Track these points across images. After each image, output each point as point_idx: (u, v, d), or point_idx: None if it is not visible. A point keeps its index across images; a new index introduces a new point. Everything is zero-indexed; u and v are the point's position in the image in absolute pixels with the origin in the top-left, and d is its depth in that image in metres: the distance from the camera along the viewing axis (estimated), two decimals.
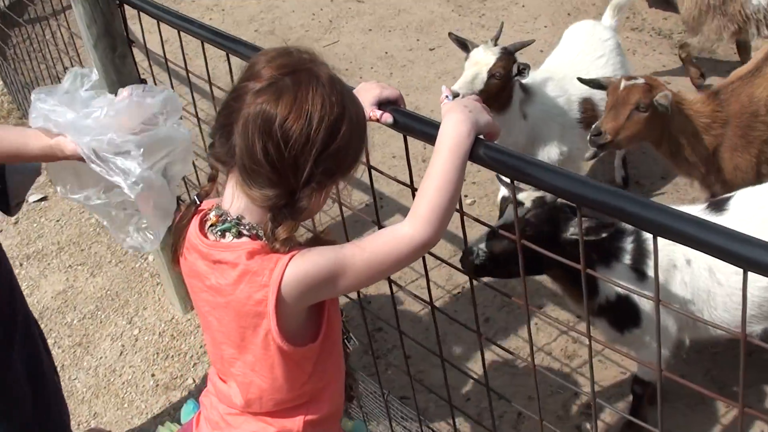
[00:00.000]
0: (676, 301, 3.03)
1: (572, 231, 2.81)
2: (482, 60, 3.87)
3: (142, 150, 2.14)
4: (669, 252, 3.00)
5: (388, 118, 2.09)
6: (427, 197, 1.84)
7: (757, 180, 3.80)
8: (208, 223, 1.92)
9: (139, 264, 4.82)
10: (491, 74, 3.82)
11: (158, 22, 3.16)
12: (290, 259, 1.80)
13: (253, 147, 1.76)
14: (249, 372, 1.95)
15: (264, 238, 1.84)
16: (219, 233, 1.88)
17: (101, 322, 4.48)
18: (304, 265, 1.79)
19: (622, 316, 3.08)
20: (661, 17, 6.92)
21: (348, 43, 7.10)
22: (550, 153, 4.20)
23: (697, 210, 3.16)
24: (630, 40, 6.55)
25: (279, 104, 1.75)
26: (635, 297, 3.03)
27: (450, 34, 4.23)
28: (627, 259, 3.02)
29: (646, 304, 3.04)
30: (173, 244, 2.02)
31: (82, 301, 4.65)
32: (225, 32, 2.85)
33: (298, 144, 1.75)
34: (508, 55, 3.89)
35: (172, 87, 3.34)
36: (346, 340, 2.19)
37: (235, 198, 1.88)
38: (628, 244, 3.04)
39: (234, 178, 1.86)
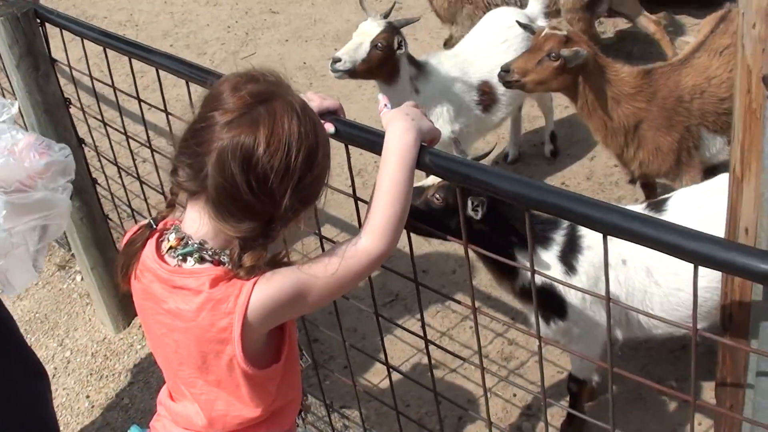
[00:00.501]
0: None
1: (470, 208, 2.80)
2: (368, 31, 4.04)
3: (4, 212, 2.12)
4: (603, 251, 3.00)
5: (330, 127, 2.10)
6: (381, 210, 1.86)
7: (676, 169, 3.91)
8: (167, 245, 1.89)
9: (67, 285, 4.72)
10: (374, 44, 3.99)
11: (82, 40, 3.12)
12: (254, 284, 1.79)
13: (233, 181, 1.71)
14: (214, 389, 1.93)
15: (228, 264, 1.82)
16: (180, 257, 1.85)
17: (31, 346, 4.37)
18: (268, 290, 1.79)
19: (545, 306, 3.06)
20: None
21: (266, 54, 7.08)
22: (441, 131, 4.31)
23: (637, 209, 3.14)
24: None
25: (257, 136, 1.71)
26: (561, 288, 3.03)
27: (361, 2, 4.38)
28: (556, 249, 3.05)
29: (573, 297, 3.04)
30: (123, 266, 1.96)
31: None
32: (149, 46, 2.82)
33: (279, 175, 1.72)
34: (392, 29, 4.06)
35: (98, 103, 3.31)
36: (299, 358, 2.19)
37: (200, 224, 1.83)
38: (560, 236, 3.07)
39: (200, 205, 1.81)
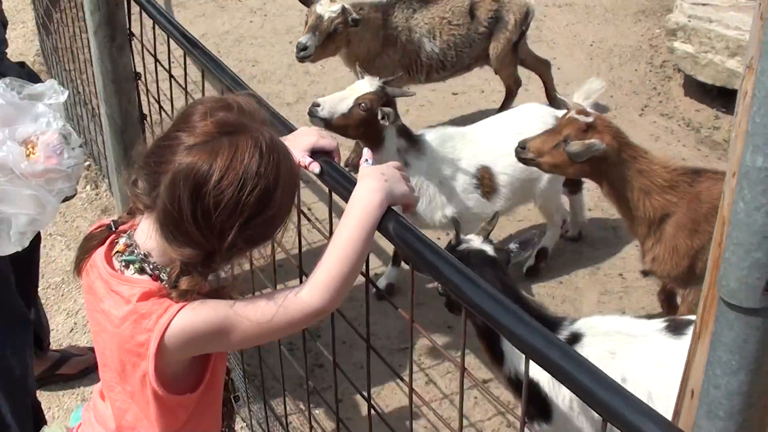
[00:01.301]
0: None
1: None
2: (358, 88, 3.92)
3: None
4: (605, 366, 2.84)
5: (315, 167, 2.04)
6: (329, 265, 1.80)
7: (687, 278, 3.65)
8: (115, 249, 1.89)
9: None
10: (357, 102, 3.85)
11: (153, 23, 3.15)
12: (180, 308, 1.76)
13: (179, 206, 1.69)
14: (127, 399, 1.92)
15: (165, 282, 1.80)
16: (123, 263, 1.85)
17: (62, 296, 4.51)
18: (192, 318, 1.75)
19: (531, 404, 2.85)
20: (693, 108, 6.80)
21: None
22: (433, 212, 4.19)
23: (656, 325, 2.92)
24: (656, 125, 6.45)
25: (212, 166, 1.67)
26: (547, 390, 2.85)
27: None
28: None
29: (560, 402, 2.85)
30: (77, 258, 1.98)
31: (51, 271, 4.68)
32: (223, 64, 2.75)
33: (227, 210, 1.69)
34: (383, 95, 3.91)
35: (170, 83, 3.30)
36: (233, 399, 2.14)
37: (149, 237, 1.83)
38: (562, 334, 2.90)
39: (152, 219, 1.80)
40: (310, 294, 1.78)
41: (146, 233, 1.83)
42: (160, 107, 3.39)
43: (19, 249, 2.38)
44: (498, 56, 5.87)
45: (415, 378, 3.54)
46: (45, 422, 3.28)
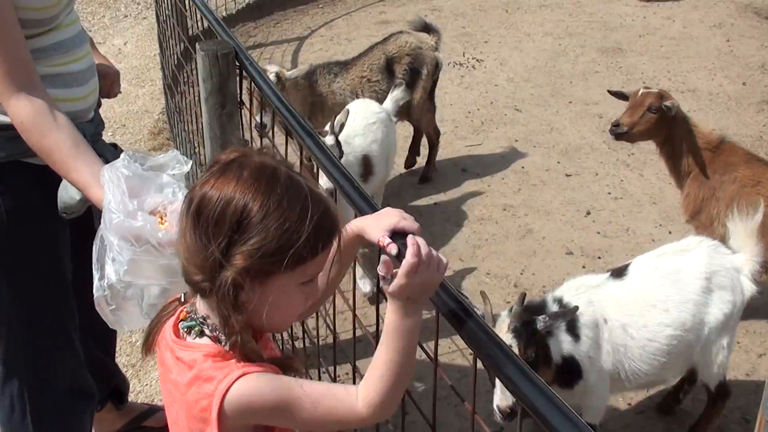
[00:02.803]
0: (604, 355, 3.68)
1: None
2: None
3: (125, 267, 2.19)
4: (592, 312, 3.65)
5: (393, 249, 2.01)
6: (379, 383, 1.77)
7: (695, 222, 4.89)
8: (180, 317, 1.93)
9: None
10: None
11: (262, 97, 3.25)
12: (241, 375, 1.75)
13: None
14: None
15: (225, 344, 1.81)
16: (185, 329, 1.88)
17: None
18: (249, 390, 1.75)
19: (569, 372, 3.63)
20: None
21: (490, 149, 7.08)
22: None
23: (604, 275, 3.92)
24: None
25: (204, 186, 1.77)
26: (578, 358, 3.63)
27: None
28: (563, 328, 3.58)
29: (583, 358, 3.64)
30: (148, 333, 2.01)
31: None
32: (323, 146, 2.75)
33: (210, 226, 1.73)
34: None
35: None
36: None
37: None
38: (553, 304, 3.69)
39: None
40: (367, 409, 1.77)
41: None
42: None
43: (146, 322, 2.40)
44: (418, 106, 6.32)
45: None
46: None
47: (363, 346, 4.14)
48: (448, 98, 7.94)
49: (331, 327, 3.21)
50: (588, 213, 6.18)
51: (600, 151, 7.05)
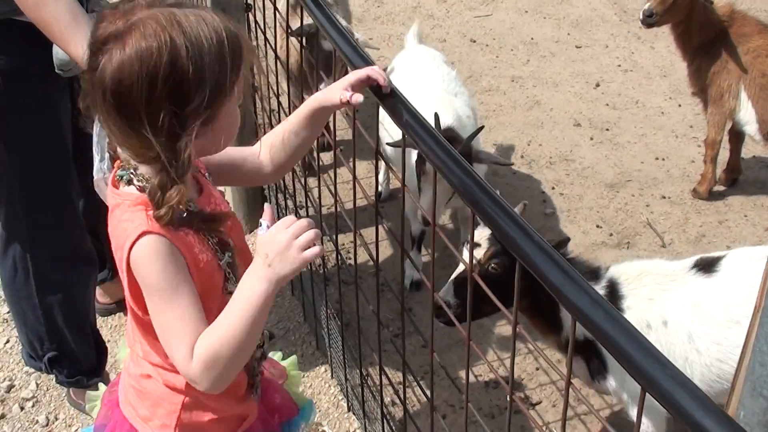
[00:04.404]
0: None
1: None
2: None
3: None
4: (643, 311, 2.88)
5: (357, 98, 1.99)
6: (217, 341, 1.71)
7: (704, 95, 4.82)
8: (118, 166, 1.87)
9: None
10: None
11: None
12: (143, 233, 1.71)
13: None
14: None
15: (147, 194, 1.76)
16: (119, 177, 1.82)
17: None
18: (148, 253, 1.72)
19: (588, 359, 2.95)
20: None
21: (499, 19, 6.94)
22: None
23: (685, 264, 2.98)
24: None
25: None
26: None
27: None
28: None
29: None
30: None
31: None
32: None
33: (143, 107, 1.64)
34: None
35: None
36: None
37: None
38: (600, 289, 2.91)
39: None
40: (192, 366, 1.72)
41: None
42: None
43: None
44: None
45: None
46: (105, 347, 3.45)
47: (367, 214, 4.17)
48: None
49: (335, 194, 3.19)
50: (597, 85, 6.10)
51: (611, 23, 6.92)
